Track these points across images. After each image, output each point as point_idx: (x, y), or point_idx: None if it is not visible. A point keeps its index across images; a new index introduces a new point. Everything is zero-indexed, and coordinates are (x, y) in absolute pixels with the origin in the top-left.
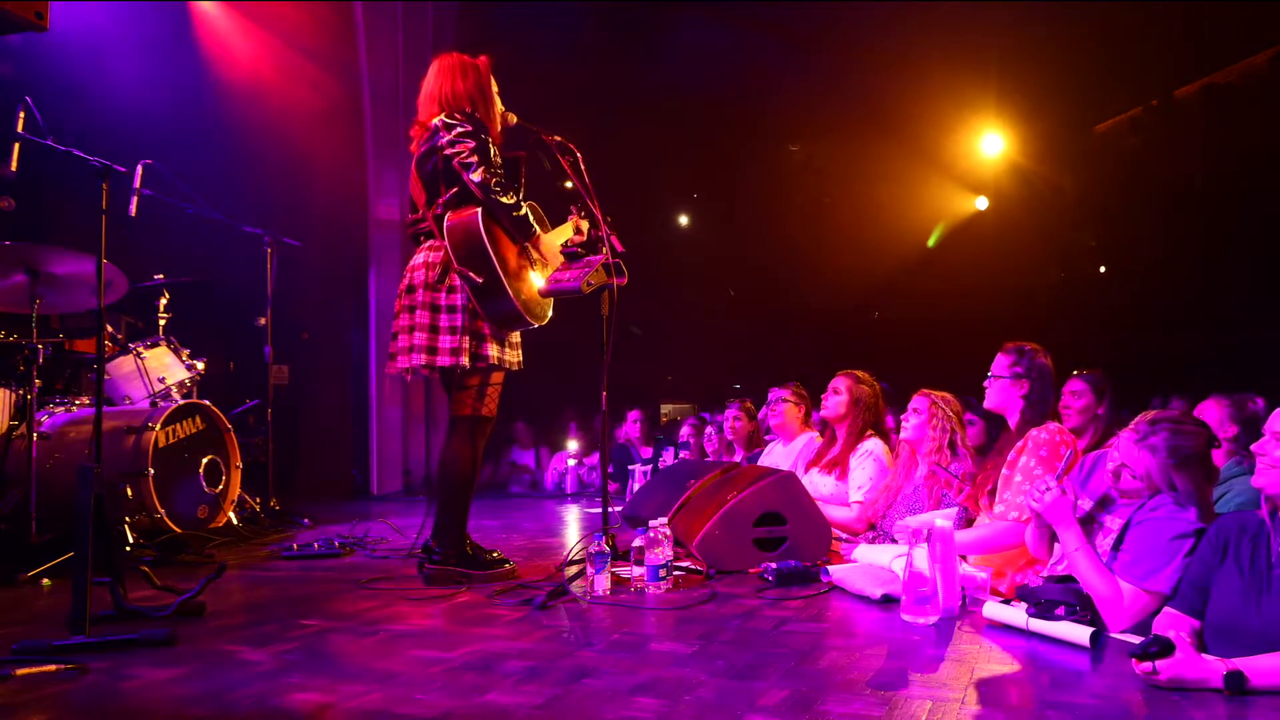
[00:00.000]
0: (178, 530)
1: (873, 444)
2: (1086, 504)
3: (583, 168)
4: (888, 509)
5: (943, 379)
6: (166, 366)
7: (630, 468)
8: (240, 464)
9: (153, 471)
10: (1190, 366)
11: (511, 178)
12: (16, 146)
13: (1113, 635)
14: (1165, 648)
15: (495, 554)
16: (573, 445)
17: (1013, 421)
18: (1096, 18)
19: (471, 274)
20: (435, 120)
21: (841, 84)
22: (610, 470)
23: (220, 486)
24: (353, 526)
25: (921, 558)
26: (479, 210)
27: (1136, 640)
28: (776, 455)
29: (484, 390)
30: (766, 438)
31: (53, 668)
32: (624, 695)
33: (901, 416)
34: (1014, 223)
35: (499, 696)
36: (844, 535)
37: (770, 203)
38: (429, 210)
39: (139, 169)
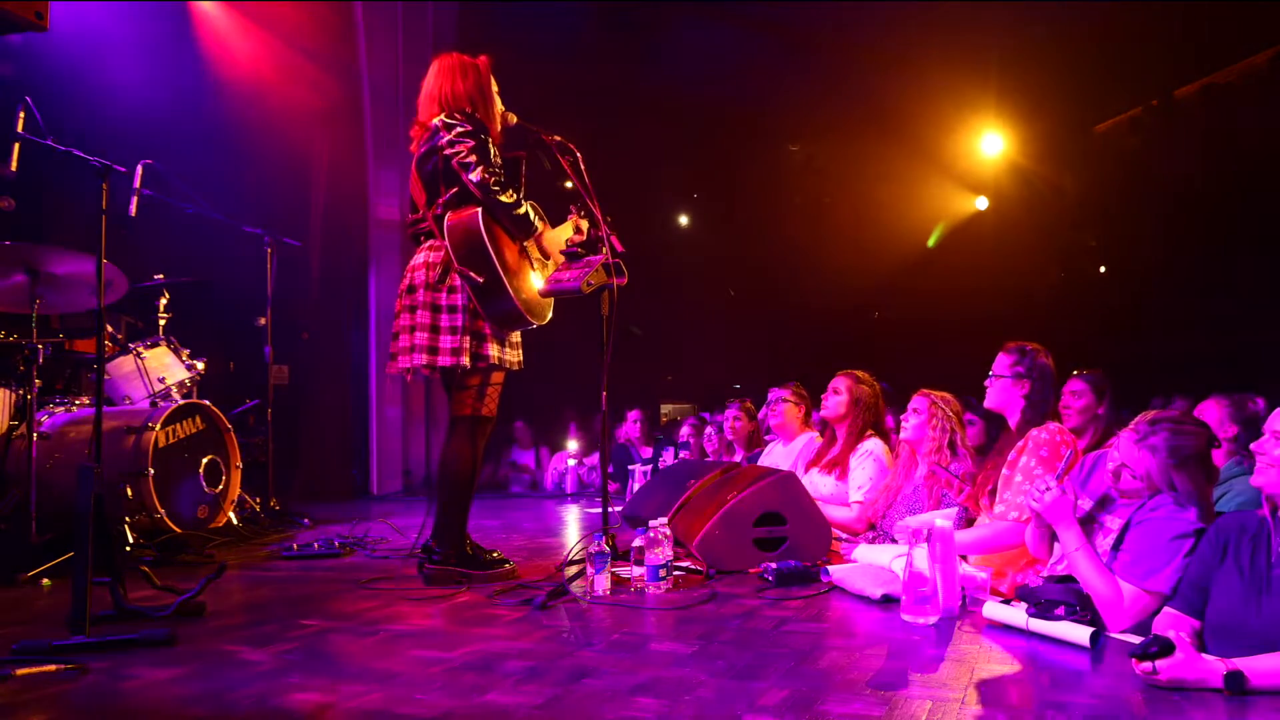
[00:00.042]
0: (178, 530)
1: (873, 444)
2: (1086, 504)
3: (583, 168)
4: (888, 509)
5: (943, 379)
6: (166, 366)
7: (630, 468)
8: (240, 464)
9: (153, 471)
10: (1190, 366)
11: (511, 178)
12: (16, 146)
13: (1112, 635)
14: (1165, 648)
15: (495, 554)
16: (573, 445)
17: (1013, 421)
18: (1096, 18)
19: (472, 273)
20: (435, 120)
21: (841, 84)
22: (610, 470)
23: (220, 486)
24: (353, 526)
25: (921, 558)
26: (479, 210)
27: (1136, 640)
28: (776, 455)
29: (484, 390)
30: (766, 438)
31: (53, 668)
32: (624, 695)
33: (901, 416)
34: (1014, 223)
35: (499, 696)
36: (844, 535)
37: (770, 203)
38: (429, 210)
39: (139, 169)
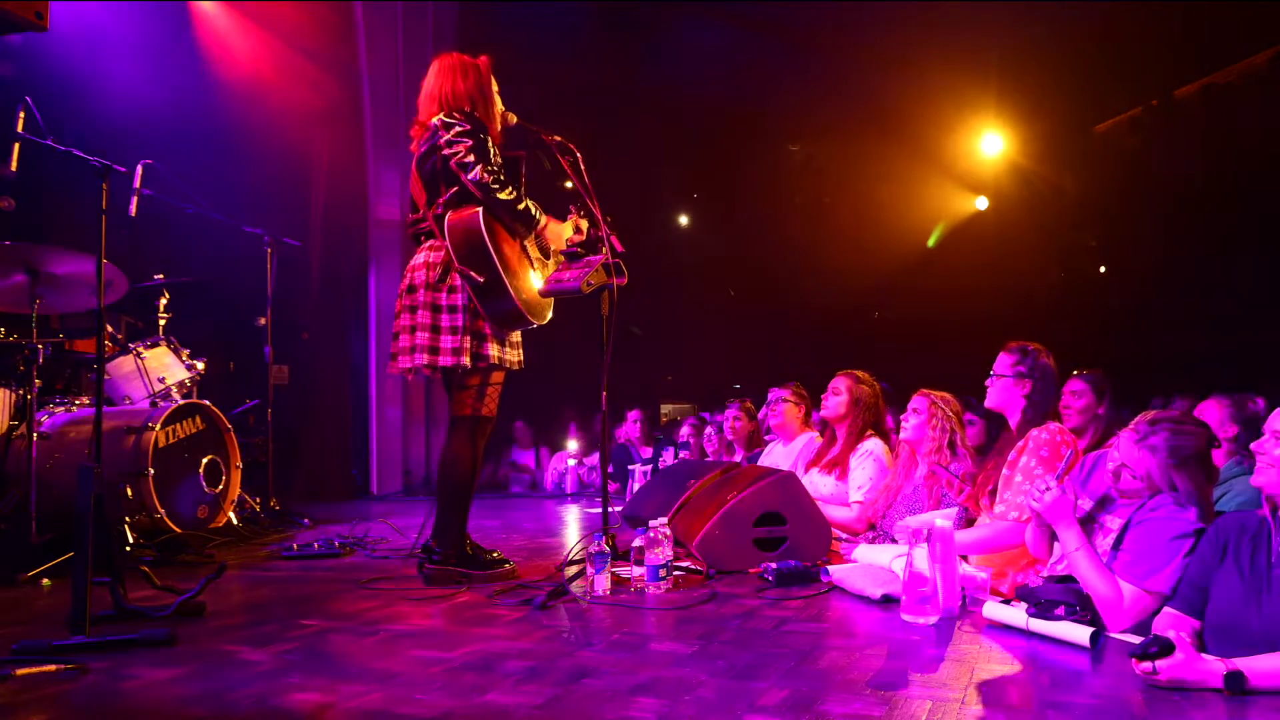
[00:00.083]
0: (178, 530)
1: (873, 444)
2: (1086, 504)
3: (583, 168)
4: (888, 509)
5: (943, 379)
6: (166, 366)
7: (630, 468)
8: (240, 464)
9: (153, 471)
10: (1190, 366)
11: (512, 177)
12: (16, 146)
13: (1112, 635)
14: (1165, 648)
15: (495, 554)
16: (573, 445)
17: (1013, 421)
18: (1096, 18)
19: (473, 273)
20: (434, 120)
21: (841, 84)
22: (610, 470)
23: (220, 486)
24: (353, 526)
25: (921, 558)
26: (480, 209)
27: (1136, 640)
28: (776, 455)
29: (484, 390)
30: (766, 438)
31: (53, 668)
32: (624, 695)
33: (901, 416)
34: (1014, 223)
35: (499, 696)
36: (844, 535)
37: (770, 203)
38: (429, 210)
39: (139, 169)
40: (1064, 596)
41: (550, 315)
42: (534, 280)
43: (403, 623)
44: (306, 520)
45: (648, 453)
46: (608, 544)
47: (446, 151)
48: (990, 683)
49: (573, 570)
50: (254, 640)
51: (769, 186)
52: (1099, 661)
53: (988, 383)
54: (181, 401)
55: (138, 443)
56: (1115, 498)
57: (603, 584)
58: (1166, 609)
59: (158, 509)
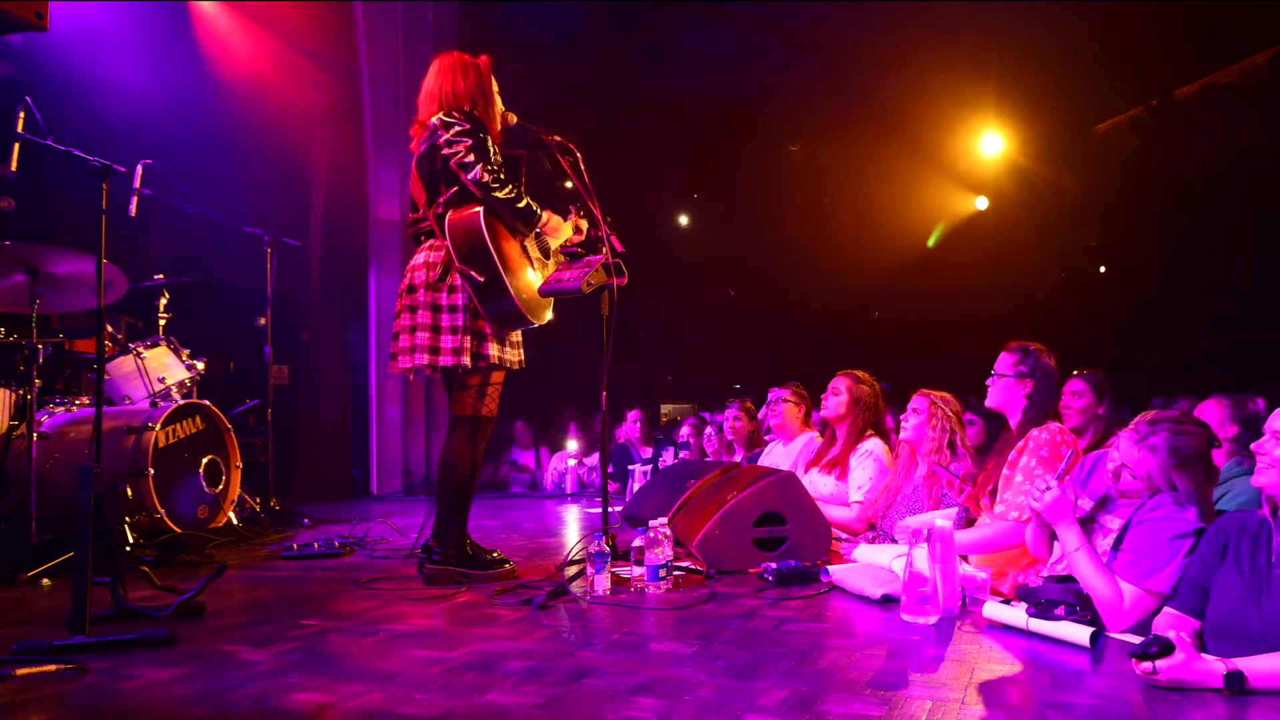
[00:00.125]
0: (178, 530)
1: (873, 444)
2: (1087, 504)
3: (583, 168)
4: (888, 509)
5: (943, 379)
6: (166, 366)
7: (630, 468)
8: (240, 464)
9: (153, 471)
10: (1190, 366)
11: (511, 176)
12: (16, 146)
13: (1112, 635)
14: (1165, 648)
15: (495, 554)
16: (573, 445)
17: (1014, 421)
18: (1096, 18)
19: (473, 273)
20: (434, 119)
21: (841, 84)
22: (610, 470)
23: (220, 486)
24: (353, 526)
25: (921, 558)
26: (481, 209)
27: (1136, 640)
28: (776, 455)
29: (484, 390)
30: (766, 438)
31: (53, 668)
32: (624, 695)
33: (901, 416)
34: (1014, 223)
35: (499, 696)
36: (844, 535)
37: (770, 203)
38: (430, 209)
39: (139, 169)
40: (1064, 596)
41: (550, 315)
42: (534, 280)
43: (403, 623)
44: (306, 520)
45: (648, 453)
46: (608, 544)
47: (446, 151)
48: (990, 683)
49: (573, 570)
50: (254, 640)
51: (769, 186)
52: (1099, 661)
53: (989, 382)
54: (181, 401)
55: (138, 443)
56: (1115, 498)
57: (603, 584)
58: (1166, 609)
59: (158, 509)
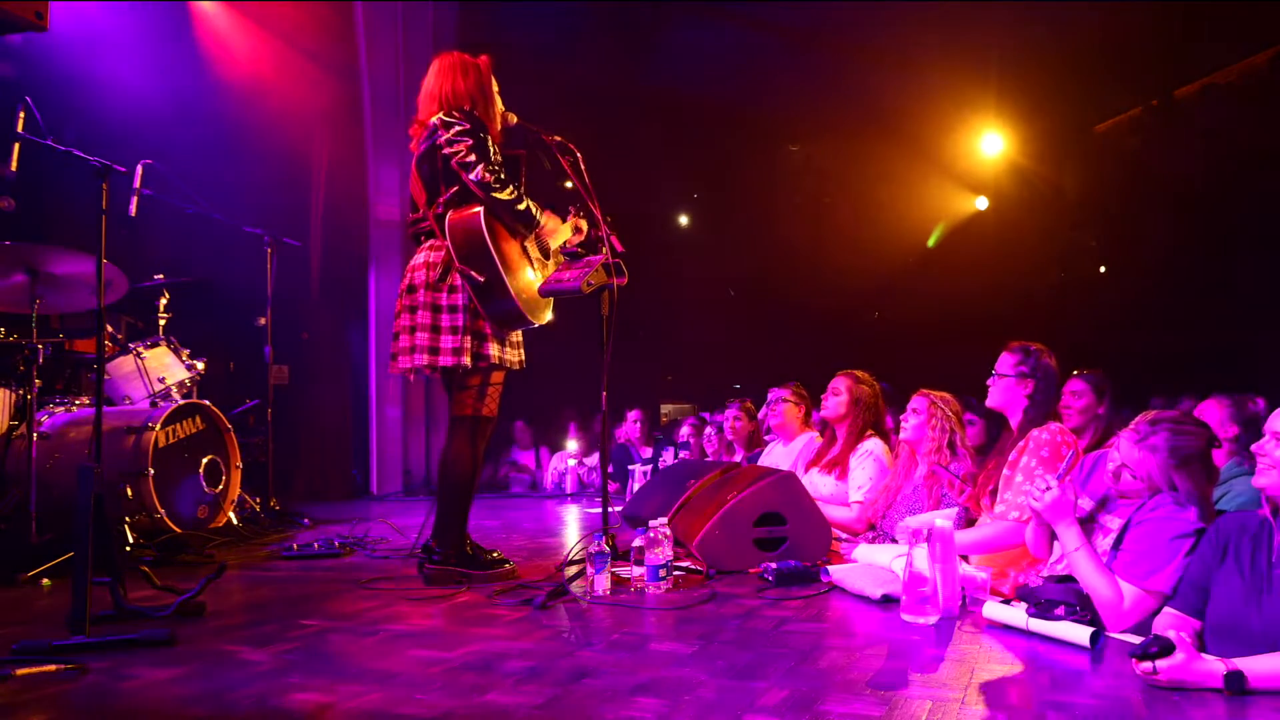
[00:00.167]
0: (178, 530)
1: (873, 444)
2: (1087, 504)
3: (583, 168)
4: (888, 509)
5: (943, 379)
6: (166, 366)
7: (630, 468)
8: (240, 464)
9: (153, 471)
10: (1191, 366)
11: (511, 176)
12: (16, 146)
13: (1112, 635)
14: (1165, 648)
15: (495, 554)
16: (572, 445)
17: (1014, 421)
18: (1096, 18)
19: (473, 273)
20: (434, 119)
21: (841, 84)
22: (610, 470)
23: (220, 486)
24: (353, 526)
25: (921, 558)
26: (481, 209)
27: (1136, 640)
28: (776, 455)
29: (484, 390)
30: (766, 438)
31: (53, 668)
32: (624, 695)
33: (901, 417)
34: (1014, 223)
35: (499, 696)
36: (844, 535)
37: (770, 203)
38: (430, 209)
39: (139, 169)
40: (1064, 596)
41: (550, 315)
42: (534, 280)
43: (403, 623)
44: (306, 520)
45: (648, 453)
46: (608, 544)
47: (447, 151)
48: (990, 683)
49: (573, 570)
50: (254, 640)
51: (769, 186)
52: (1099, 661)
53: (989, 382)
54: (181, 401)
55: (138, 443)
56: (1115, 498)
57: (603, 584)
58: (1166, 609)
59: (158, 509)
